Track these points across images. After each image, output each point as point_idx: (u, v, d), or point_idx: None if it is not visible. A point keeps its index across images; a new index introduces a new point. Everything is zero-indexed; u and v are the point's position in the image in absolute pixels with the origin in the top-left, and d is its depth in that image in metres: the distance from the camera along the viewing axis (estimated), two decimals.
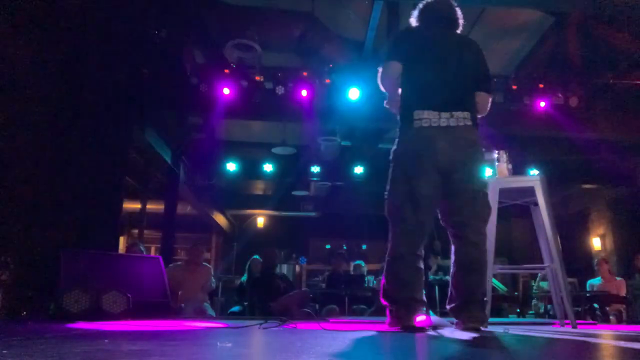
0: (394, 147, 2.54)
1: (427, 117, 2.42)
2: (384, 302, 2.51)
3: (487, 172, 2.89)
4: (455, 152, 2.40)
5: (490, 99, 2.59)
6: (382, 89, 2.65)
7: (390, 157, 2.54)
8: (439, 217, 2.57)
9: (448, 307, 2.52)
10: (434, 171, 2.41)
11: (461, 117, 2.42)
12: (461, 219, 2.46)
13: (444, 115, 2.41)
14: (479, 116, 2.58)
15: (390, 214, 2.51)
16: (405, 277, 2.43)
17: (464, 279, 2.44)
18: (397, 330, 2.39)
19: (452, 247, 2.53)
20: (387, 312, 2.50)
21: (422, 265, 2.49)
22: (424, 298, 2.50)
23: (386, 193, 2.54)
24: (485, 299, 2.46)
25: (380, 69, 2.61)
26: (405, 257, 2.45)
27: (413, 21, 2.76)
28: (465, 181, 2.43)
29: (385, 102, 2.70)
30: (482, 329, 2.41)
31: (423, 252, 2.53)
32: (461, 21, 2.73)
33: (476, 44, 2.66)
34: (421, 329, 2.39)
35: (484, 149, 2.53)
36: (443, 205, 2.52)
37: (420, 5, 2.74)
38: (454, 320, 2.50)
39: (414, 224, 2.44)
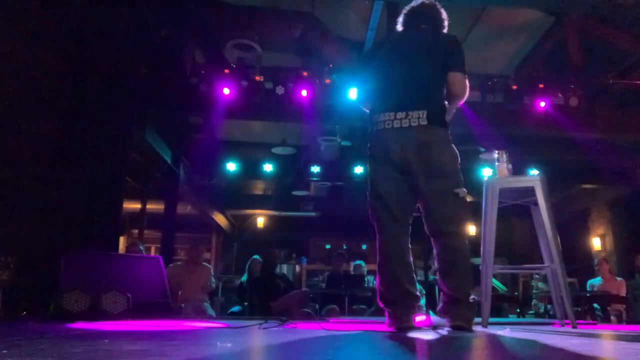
0: None
1: (384, 120, 2.46)
2: (381, 304, 2.53)
3: (487, 172, 2.89)
4: (409, 154, 2.40)
5: (466, 80, 2.53)
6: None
7: None
8: None
9: (438, 306, 2.54)
10: (395, 170, 2.45)
11: (415, 117, 2.41)
12: (435, 223, 2.46)
13: (399, 115, 2.43)
14: (459, 101, 2.57)
15: (370, 214, 2.58)
16: (394, 272, 2.46)
17: (445, 281, 2.44)
18: (394, 330, 2.39)
19: (434, 251, 2.54)
20: (386, 314, 2.51)
21: (409, 259, 2.51)
22: (418, 293, 2.51)
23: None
24: (472, 298, 2.45)
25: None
26: (389, 253, 2.49)
27: (398, 26, 2.79)
28: (428, 183, 2.42)
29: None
30: (474, 328, 2.42)
31: (409, 246, 2.55)
32: (444, 21, 2.72)
33: (450, 37, 2.63)
34: (420, 329, 2.40)
35: (447, 147, 2.48)
36: (421, 210, 2.53)
37: (403, 10, 2.77)
38: None
39: (390, 221, 2.49)
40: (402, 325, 2.39)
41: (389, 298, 2.47)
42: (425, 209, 2.50)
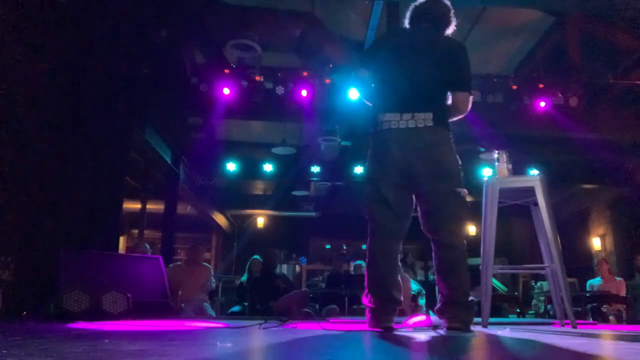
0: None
1: (388, 120, 2.44)
2: (365, 302, 2.55)
3: (487, 172, 2.89)
4: (414, 154, 2.39)
5: (470, 98, 2.54)
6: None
7: None
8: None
9: (436, 307, 2.53)
10: (397, 173, 2.43)
11: (421, 119, 2.40)
12: (434, 222, 2.46)
13: (405, 116, 2.41)
14: (459, 117, 2.57)
15: (365, 214, 2.57)
16: (382, 276, 2.47)
17: (443, 281, 2.44)
18: (376, 330, 2.42)
19: (432, 252, 2.53)
20: (367, 312, 2.53)
21: (398, 265, 2.53)
22: (400, 297, 2.52)
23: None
24: (471, 298, 2.45)
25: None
26: (381, 255, 2.49)
27: (405, 22, 2.76)
28: (431, 183, 2.41)
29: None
30: (473, 328, 2.42)
31: (400, 250, 2.56)
32: (451, 20, 2.69)
33: (459, 45, 2.61)
34: (392, 329, 2.42)
35: (449, 149, 2.48)
36: (420, 209, 2.52)
37: (411, 6, 2.74)
38: None
39: (384, 223, 2.48)
40: (380, 326, 2.42)
41: (371, 299, 2.50)
42: (426, 209, 2.49)
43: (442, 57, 2.54)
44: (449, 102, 2.54)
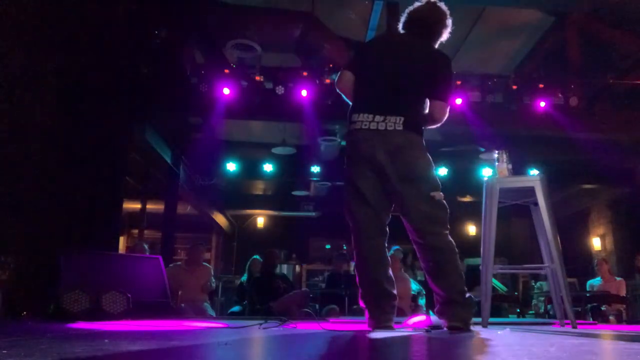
0: None
1: (361, 120, 2.46)
2: (361, 304, 2.55)
3: (487, 172, 2.88)
4: (384, 156, 2.40)
5: (447, 108, 2.56)
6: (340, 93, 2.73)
7: None
8: None
9: (435, 309, 2.53)
10: (370, 170, 2.45)
11: (392, 121, 2.41)
12: (416, 225, 2.45)
13: (378, 118, 2.43)
14: (436, 125, 2.59)
15: (347, 215, 2.58)
16: (373, 274, 2.48)
17: (436, 283, 2.44)
18: (371, 329, 2.42)
19: (418, 256, 2.53)
20: (365, 313, 2.53)
21: (387, 259, 2.54)
22: (395, 291, 2.53)
23: None
24: (468, 295, 2.44)
25: (336, 77, 2.72)
26: (368, 254, 2.50)
27: (399, 26, 2.77)
28: (403, 187, 2.42)
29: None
30: (473, 328, 2.42)
31: (385, 245, 2.56)
32: (446, 26, 2.69)
33: (444, 56, 2.62)
34: (392, 329, 2.42)
35: (422, 152, 2.49)
36: (402, 216, 2.52)
37: (406, 10, 2.75)
38: None
39: (365, 221, 2.50)
40: (379, 326, 2.42)
41: (367, 299, 2.50)
42: (403, 212, 2.48)
43: (423, 64, 2.57)
44: (426, 110, 2.56)
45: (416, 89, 2.54)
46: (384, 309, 2.47)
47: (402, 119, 2.42)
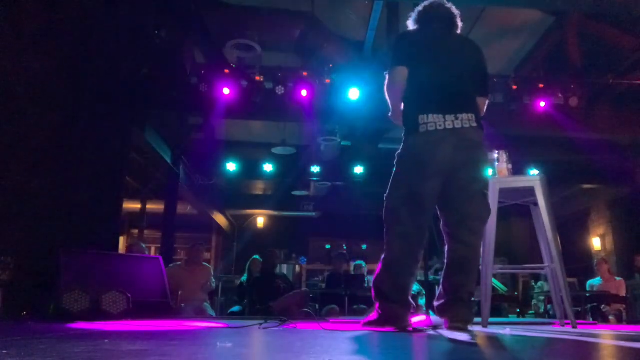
0: (399, 151, 2.51)
1: (432, 121, 2.38)
2: (376, 300, 2.53)
3: (487, 172, 2.88)
4: (458, 153, 2.37)
5: (487, 102, 2.60)
6: (388, 98, 2.59)
7: (395, 161, 2.51)
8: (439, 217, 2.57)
9: (435, 303, 2.51)
10: (438, 176, 2.39)
11: (466, 119, 2.39)
12: (458, 218, 2.45)
13: (449, 118, 2.38)
14: None
15: (388, 216, 2.49)
16: (402, 281, 2.45)
17: (452, 277, 2.43)
18: (393, 330, 2.40)
19: (446, 247, 2.52)
20: (377, 308, 2.51)
21: (417, 271, 2.51)
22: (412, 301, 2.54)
23: (386, 195, 2.52)
24: (472, 299, 2.45)
25: (386, 76, 2.55)
26: (402, 260, 2.44)
27: (410, 24, 2.72)
28: (467, 181, 2.41)
29: (389, 114, 2.66)
30: (469, 328, 2.42)
31: (421, 257, 2.53)
32: (460, 22, 2.69)
33: (476, 45, 2.64)
34: (418, 330, 2.41)
35: (487, 150, 2.53)
36: (442, 205, 2.49)
37: (420, 8, 2.70)
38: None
39: (411, 227, 2.43)
40: (401, 325, 2.40)
41: (391, 298, 2.46)
42: (451, 206, 2.46)
43: (475, 60, 2.58)
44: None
45: (475, 85, 2.55)
46: (405, 310, 2.45)
47: (473, 115, 2.43)
